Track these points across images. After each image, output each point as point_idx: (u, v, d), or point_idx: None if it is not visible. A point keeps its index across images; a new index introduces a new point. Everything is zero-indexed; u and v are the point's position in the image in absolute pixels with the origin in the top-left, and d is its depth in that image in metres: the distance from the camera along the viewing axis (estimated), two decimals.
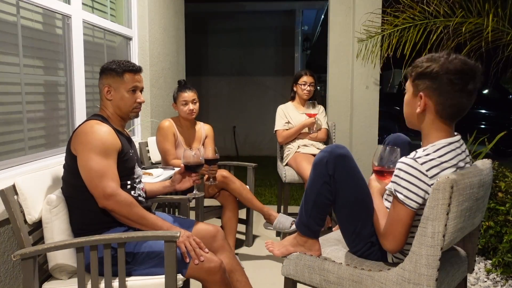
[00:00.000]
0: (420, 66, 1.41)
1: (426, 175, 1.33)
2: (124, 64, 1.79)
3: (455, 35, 3.29)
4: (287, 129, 3.45)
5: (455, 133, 1.45)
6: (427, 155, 1.36)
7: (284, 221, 2.77)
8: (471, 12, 3.27)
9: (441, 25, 3.36)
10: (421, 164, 1.33)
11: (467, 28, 3.19)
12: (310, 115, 3.35)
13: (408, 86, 1.47)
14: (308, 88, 3.44)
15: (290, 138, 3.43)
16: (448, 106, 1.37)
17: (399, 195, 1.36)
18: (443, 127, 1.41)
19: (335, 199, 1.56)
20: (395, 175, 1.38)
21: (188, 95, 2.89)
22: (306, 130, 3.43)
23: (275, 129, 3.49)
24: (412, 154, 1.38)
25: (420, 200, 1.34)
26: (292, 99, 3.58)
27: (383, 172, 1.55)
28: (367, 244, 1.56)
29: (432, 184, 1.33)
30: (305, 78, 3.44)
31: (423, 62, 1.41)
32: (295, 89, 3.52)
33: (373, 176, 1.61)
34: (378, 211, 1.51)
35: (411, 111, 1.46)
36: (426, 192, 1.34)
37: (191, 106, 2.89)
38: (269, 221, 2.87)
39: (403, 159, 1.37)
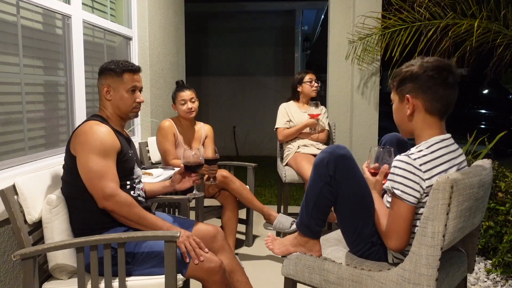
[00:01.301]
0: (399, 74, 1.50)
1: (420, 170, 1.36)
2: (123, 64, 1.79)
3: (448, 36, 3.31)
4: (288, 128, 3.44)
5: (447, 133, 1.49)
6: (419, 151, 1.41)
7: (284, 221, 2.77)
8: (464, 14, 3.28)
9: (433, 27, 3.38)
10: (414, 159, 1.37)
11: (458, 30, 3.21)
12: (312, 116, 3.34)
13: (393, 96, 1.55)
14: (316, 84, 3.45)
15: (291, 137, 3.43)
16: (435, 101, 1.43)
17: (396, 192, 1.38)
18: (434, 123, 1.46)
19: (336, 199, 1.57)
20: (391, 173, 1.41)
21: (186, 94, 2.89)
22: (307, 130, 3.42)
23: (276, 127, 3.48)
24: (406, 152, 1.43)
25: (417, 195, 1.37)
26: (296, 99, 3.55)
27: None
28: (367, 244, 1.56)
29: (426, 179, 1.36)
30: (310, 76, 3.45)
31: (401, 70, 1.50)
32: (299, 89, 3.49)
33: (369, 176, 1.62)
34: (379, 211, 1.51)
35: (401, 117, 1.52)
36: (421, 187, 1.37)
37: (189, 104, 2.89)
38: (269, 221, 2.87)
39: (398, 156, 1.41)
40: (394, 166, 1.40)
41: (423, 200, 1.38)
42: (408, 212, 1.38)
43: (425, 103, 1.44)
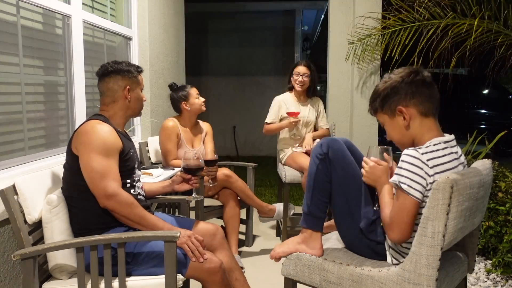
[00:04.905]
0: (379, 94, 1.55)
1: (427, 165, 1.38)
2: (135, 65, 1.86)
3: (448, 36, 3.31)
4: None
5: (449, 134, 1.52)
6: (427, 147, 1.42)
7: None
8: (464, 14, 3.28)
9: (432, 27, 3.38)
10: (422, 154, 1.39)
11: (457, 29, 3.21)
12: (291, 114, 3.21)
13: (382, 118, 1.58)
14: (301, 79, 3.26)
15: (271, 133, 3.36)
16: (426, 101, 1.48)
17: (403, 185, 1.39)
18: (432, 125, 1.49)
19: (330, 178, 1.63)
20: (399, 167, 1.42)
21: (196, 89, 3.04)
22: (294, 135, 3.36)
23: (265, 121, 3.36)
24: (415, 147, 1.45)
25: (423, 190, 1.38)
26: (290, 90, 3.44)
27: None
28: (360, 235, 1.59)
29: (432, 174, 1.37)
30: (299, 68, 3.28)
31: (378, 90, 1.56)
32: (292, 79, 3.35)
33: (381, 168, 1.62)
34: (383, 200, 1.52)
35: (399, 132, 1.54)
36: (426, 182, 1.38)
37: (201, 98, 3.03)
38: (267, 215, 2.99)
39: (406, 151, 1.43)
40: (402, 161, 1.41)
41: (426, 196, 1.38)
42: (412, 206, 1.39)
43: (418, 107, 1.48)
